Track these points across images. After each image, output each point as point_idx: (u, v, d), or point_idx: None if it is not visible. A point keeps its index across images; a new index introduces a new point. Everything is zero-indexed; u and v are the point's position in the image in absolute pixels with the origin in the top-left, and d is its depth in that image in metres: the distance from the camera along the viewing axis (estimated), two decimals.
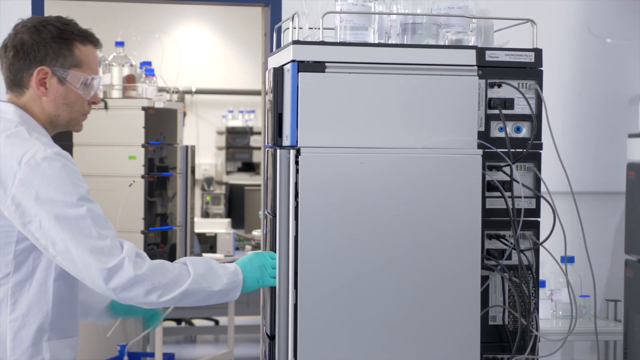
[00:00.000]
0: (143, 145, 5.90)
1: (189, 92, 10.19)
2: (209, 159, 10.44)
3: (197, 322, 8.47)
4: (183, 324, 8.41)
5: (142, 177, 5.91)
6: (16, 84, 2.58)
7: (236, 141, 10.35)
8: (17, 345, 2.49)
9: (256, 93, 10.36)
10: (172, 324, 8.23)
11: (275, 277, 2.69)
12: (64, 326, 2.56)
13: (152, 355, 6.29)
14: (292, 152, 2.67)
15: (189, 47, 10.17)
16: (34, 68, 2.55)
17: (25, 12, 4.52)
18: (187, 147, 6.30)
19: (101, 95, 5.76)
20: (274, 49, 3.11)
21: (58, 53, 2.56)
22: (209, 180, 9.90)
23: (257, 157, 10.39)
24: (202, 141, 10.18)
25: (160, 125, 6.06)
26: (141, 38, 7.28)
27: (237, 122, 10.54)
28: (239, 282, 2.63)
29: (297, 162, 2.67)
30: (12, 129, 2.52)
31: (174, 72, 6.89)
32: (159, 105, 6.03)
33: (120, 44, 5.97)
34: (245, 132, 10.36)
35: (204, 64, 10.45)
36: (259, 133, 10.36)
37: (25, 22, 2.59)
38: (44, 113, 2.59)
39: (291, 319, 2.67)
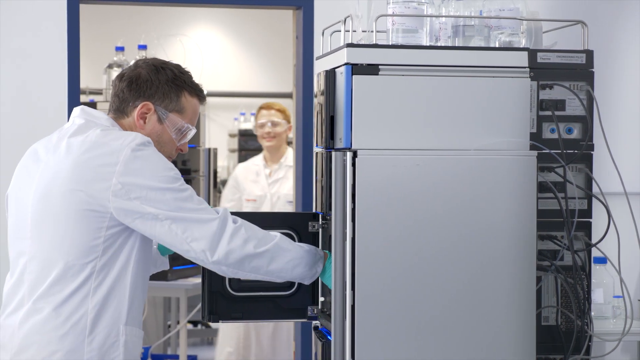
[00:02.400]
0: None
1: None
2: (221, 162, 10.45)
3: (214, 325, 8.48)
4: (199, 326, 8.42)
5: None
6: (120, 110, 2.79)
7: (248, 144, 10.36)
8: (96, 325, 2.62)
9: (268, 95, 10.37)
10: (189, 326, 8.24)
11: None
12: (136, 316, 2.70)
13: (176, 357, 6.30)
14: (349, 154, 2.68)
15: (201, 50, 10.18)
16: (140, 101, 2.75)
17: (61, 12, 4.53)
18: (209, 149, 6.32)
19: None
20: (322, 52, 3.12)
21: (166, 95, 2.76)
22: (224, 183, 9.91)
23: None
24: (213, 144, 10.19)
25: None
26: (163, 41, 7.29)
27: (249, 125, 10.54)
28: (320, 256, 2.81)
29: (353, 164, 2.68)
30: (108, 127, 2.73)
31: (194, 75, 6.89)
32: None
33: (143, 47, 5.99)
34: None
35: (215, 66, 10.46)
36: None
37: (147, 60, 2.82)
38: None
39: (348, 320, 2.68)
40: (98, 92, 7.17)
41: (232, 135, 10.50)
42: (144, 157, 2.62)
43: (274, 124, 5.88)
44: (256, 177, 5.86)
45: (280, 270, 2.74)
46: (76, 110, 2.81)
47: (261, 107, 6.05)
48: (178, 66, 2.83)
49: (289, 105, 10.69)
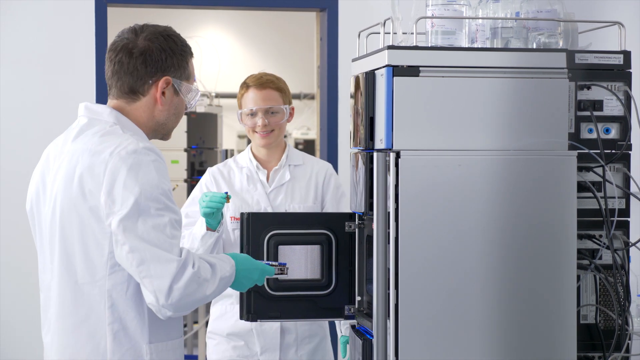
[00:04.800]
0: (185, 150, 5.96)
1: (207, 95, 10.23)
2: None
3: None
4: None
5: (185, 181, 5.95)
6: (133, 91, 2.60)
7: None
8: (117, 347, 2.49)
9: None
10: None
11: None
12: (162, 330, 2.55)
13: (195, 357, 6.32)
14: (392, 155, 2.71)
15: (209, 51, 10.21)
16: (159, 77, 2.60)
17: (89, 14, 4.56)
18: (226, 150, 6.36)
19: None
20: (358, 54, 3.14)
21: (179, 65, 2.63)
22: None
23: None
24: (223, 145, 10.21)
25: (201, 129, 6.12)
26: None
27: None
28: (232, 264, 2.63)
29: (396, 165, 2.71)
30: (107, 128, 2.56)
31: (206, 76, 6.93)
32: (200, 109, 6.09)
33: None
34: None
35: (223, 67, 10.49)
36: None
37: (149, 29, 2.61)
38: (153, 120, 2.64)
39: (392, 319, 2.71)
40: None
41: (241, 137, 10.54)
42: (131, 166, 2.44)
43: (272, 112, 3.70)
44: (247, 185, 3.73)
45: (214, 294, 2.55)
46: (80, 107, 2.64)
47: (247, 84, 3.73)
48: (172, 29, 2.67)
49: (298, 106, 10.73)
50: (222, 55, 10.54)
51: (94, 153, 2.47)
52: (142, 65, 2.57)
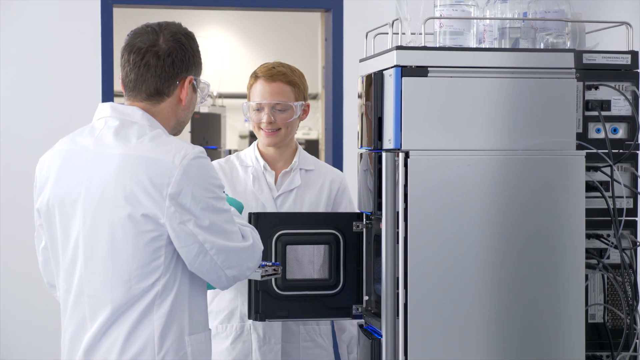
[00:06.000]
0: None
1: (211, 96, 10.24)
2: None
3: None
4: None
5: None
6: (158, 92, 2.60)
7: None
8: (164, 342, 2.56)
9: None
10: None
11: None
12: (198, 321, 2.63)
13: None
14: (401, 155, 2.72)
15: (212, 52, 10.22)
16: (184, 77, 2.61)
17: (94, 15, 4.57)
18: (230, 151, 6.37)
19: None
20: (365, 54, 3.15)
21: (198, 62, 2.66)
22: None
23: None
24: (226, 145, 10.21)
25: (204, 129, 6.14)
26: None
27: None
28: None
29: (405, 165, 2.71)
30: (149, 132, 2.55)
31: (209, 77, 6.93)
32: (203, 110, 6.10)
33: None
34: None
35: (226, 68, 10.51)
36: None
37: (170, 29, 2.61)
38: (175, 119, 2.65)
39: (401, 318, 2.72)
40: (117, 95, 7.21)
41: (242, 137, 10.54)
42: (196, 171, 2.50)
43: (279, 109, 3.38)
44: (252, 187, 3.39)
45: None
46: (105, 108, 2.61)
47: (256, 75, 3.41)
48: (185, 27, 2.67)
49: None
50: (225, 56, 10.56)
51: (151, 160, 2.48)
52: (170, 67, 2.58)
